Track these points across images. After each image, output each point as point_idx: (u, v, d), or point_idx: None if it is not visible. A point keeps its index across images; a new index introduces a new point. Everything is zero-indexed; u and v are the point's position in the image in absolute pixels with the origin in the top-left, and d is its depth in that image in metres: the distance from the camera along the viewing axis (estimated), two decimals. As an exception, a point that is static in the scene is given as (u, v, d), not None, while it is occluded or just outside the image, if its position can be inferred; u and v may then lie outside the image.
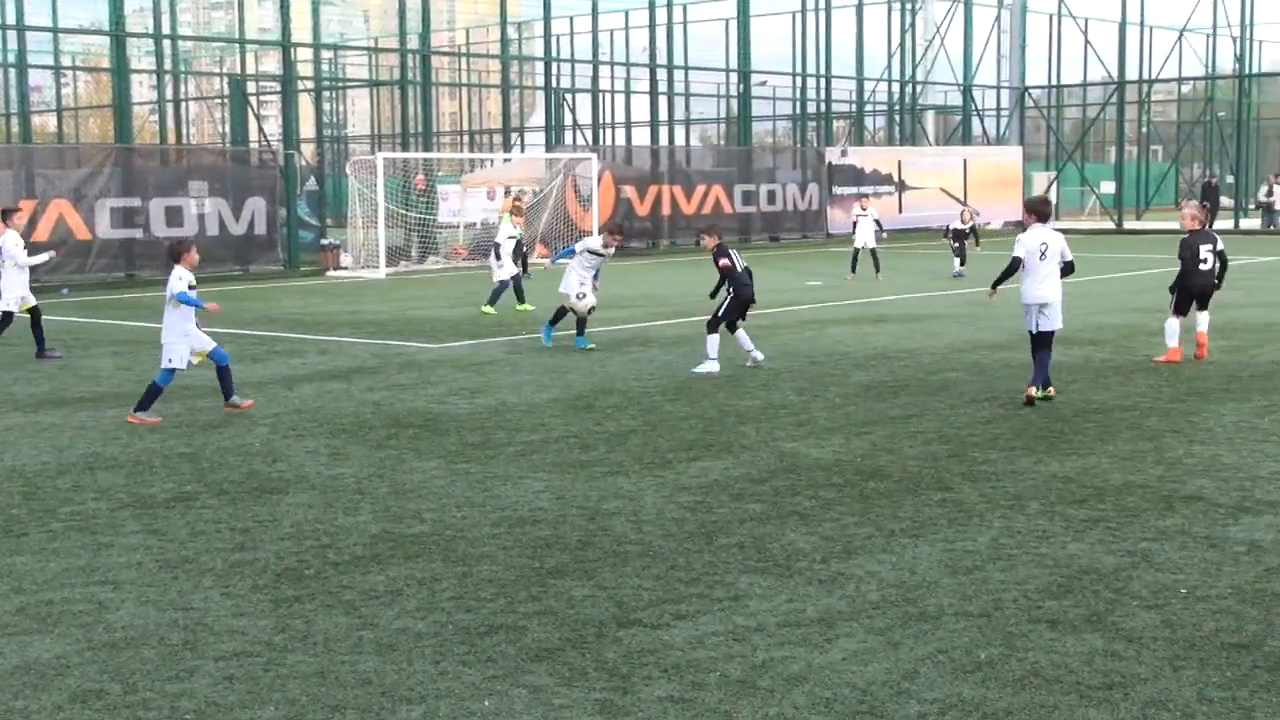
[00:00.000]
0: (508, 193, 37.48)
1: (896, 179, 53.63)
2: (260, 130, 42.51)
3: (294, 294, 30.04)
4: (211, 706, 6.24)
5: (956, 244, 33.54)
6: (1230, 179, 63.90)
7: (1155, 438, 12.26)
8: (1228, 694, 6.20)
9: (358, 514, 9.85)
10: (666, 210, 46.50)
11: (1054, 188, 61.35)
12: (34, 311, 19.36)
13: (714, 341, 16.81)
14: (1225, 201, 59.65)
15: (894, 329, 21.31)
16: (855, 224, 34.57)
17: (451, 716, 6.07)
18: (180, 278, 13.99)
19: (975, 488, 10.41)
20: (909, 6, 59.13)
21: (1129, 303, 25.08)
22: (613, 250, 19.67)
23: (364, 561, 8.60)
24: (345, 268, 36.84)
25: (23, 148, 36.98)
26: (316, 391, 15.63)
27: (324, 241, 39.11)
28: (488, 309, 24.81)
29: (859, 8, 56.75)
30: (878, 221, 34.58)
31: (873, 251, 33.14)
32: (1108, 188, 62.46)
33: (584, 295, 19.17)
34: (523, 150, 55.39)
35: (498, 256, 25.51)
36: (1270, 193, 55.82)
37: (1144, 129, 69.87)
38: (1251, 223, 56.33)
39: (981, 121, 62.98)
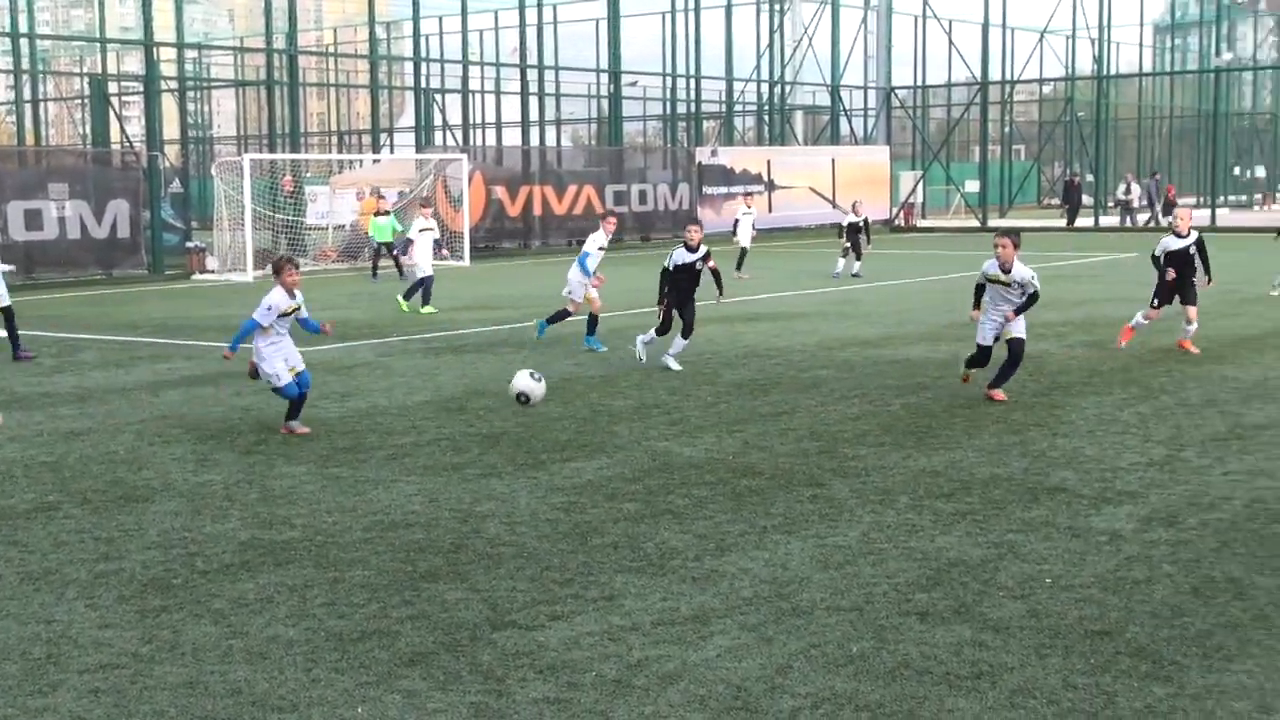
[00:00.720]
0: (376, 194, 37.11)
1: (766, 178, 54.03)
2: (122, 131, 41.62)
3: (159, 298, 29.49)
4: (76, 720, 6.11)
5: (849, 242, 33.00)
6: (1090, 178, 65.38)
7: (1020, 431, 12.50)
8: (1091, 680, 6.33)
9: (226, 521, 9.70)
10: (538, 211, 46.40)
11: (920, 187, 62.32)
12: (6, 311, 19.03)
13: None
14: (1086, 200, 60.96)
15: (765, 327, 21.48)
16: (737, 222, 34.67)
17: (324, 724, 6.00)
18: (267, 305, 13.07)
19: (846, 483, 10.53)
20: (777, 7, 59.67)
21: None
22: (610, 233, 19.53)
23: (233, 569, 8.47)
24: (211, 271, 36.25)
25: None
26: (183, 397, 15.36)
27: (189, 244, 38.43)
28: (427, 309, 24.57)
29: (728, 9, 57.18)
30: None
31: (744, 250, 33.47)
32: (972, 186, 63.58)
33: (571, 292, 19.07)
34: (392, 151, 54.92)
35: (404, 252, 25.50)
36: (1128, 191, 57.20)
37: (1007, 129, 71.19)
38: (1111, 220, 57.70)
39: (849, 121, 63.73)
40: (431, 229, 25.97)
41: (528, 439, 12.50)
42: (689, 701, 6.18)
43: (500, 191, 44.87)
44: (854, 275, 31.89)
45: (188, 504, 10.24)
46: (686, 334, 16.97)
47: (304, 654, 6.90)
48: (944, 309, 23.93)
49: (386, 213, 35.18)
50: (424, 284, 25.01)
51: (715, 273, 17.16)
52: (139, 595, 7.97)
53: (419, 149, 46.40)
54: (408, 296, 25.24)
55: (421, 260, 25.22)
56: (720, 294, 17.70)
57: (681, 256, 17.00)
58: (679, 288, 16.97)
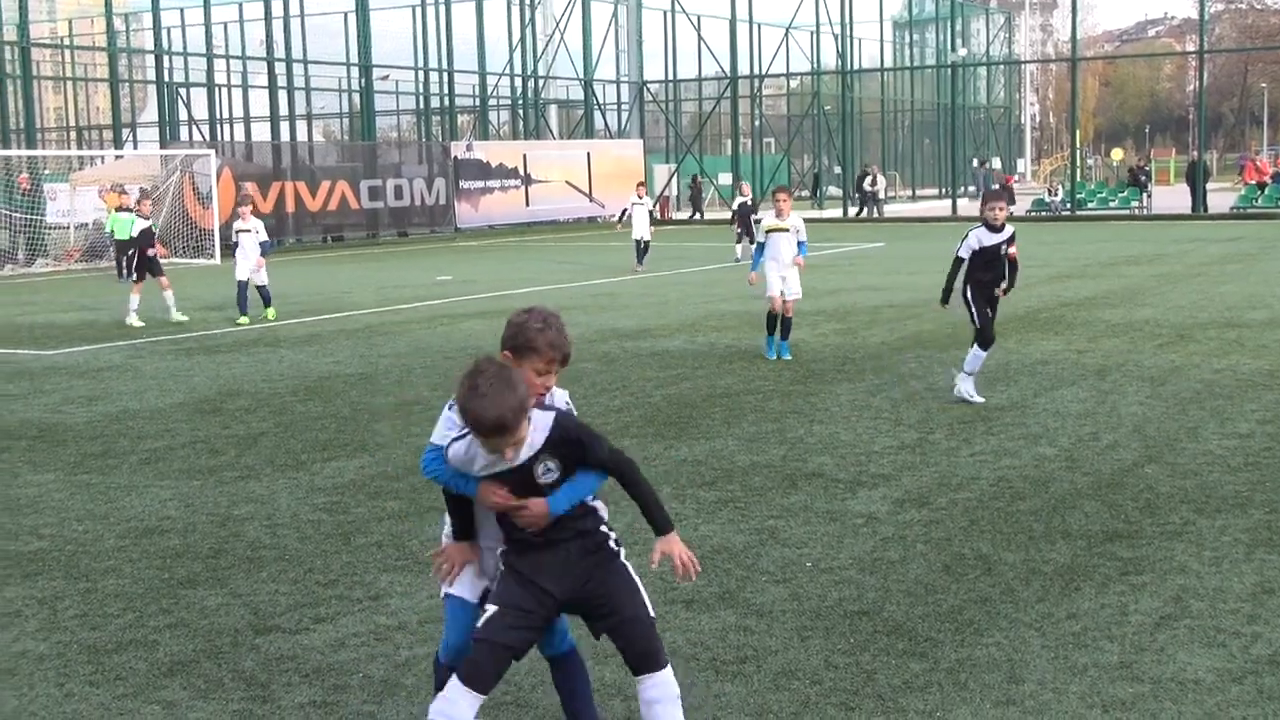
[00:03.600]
0: (119, 190, 35.91)
1: (522, 173, 54.08)
2: None
3: (-113, 302, 28.05)
4: None
5: (740, 228, 32.80)
6: (838, 169, 67.18)
7: (778, 419, 12.76)
8: (851, 659, 6.51)
9: (-32, 534, 9.28)
10: (291, 207, 45.59)
11: (674, 180, 63.13)
12: None
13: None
14: (834, 191, 62.63)
15: (525, 321, 21.44)
16: (629, 213, 33.34)
17: (80, 740, 5.79)
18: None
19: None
20: (528, 2, 59.72)
21: (750, 290, 26.01)
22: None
23: (-23, 583, 8.10)
24: (-56, 273, 34.65)
25: None
26: (-84, 405, 14.65)
27: (-81, 245, 36.68)
28: (269, 311, 22.73)
29: (478, 3, 56.98)
30: (651, 213, 33.33)
31: (646, 243, 32.26)
32: (725, 179, 64.69)
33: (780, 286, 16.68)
34: (135, 147, 53.25)
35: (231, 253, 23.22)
36: (874, 182, 58.94)
37: (757, 122, 72.66)
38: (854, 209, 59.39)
39: (603, 115, 64.26)
40: (250, 231, 23.27)
41: (287, 439, 12.27)
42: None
43: (250, 188, 43.91)
44: (738, 261, 31.92)
45: (-75, 517, 9.77)
46: (987, 343, 13.59)
47: (56, 668, 6.65)
48: (701, 300, 24.30)
49: (128, 209, 34.07)
50: (258, 291, 22.83)
51: (1013, 262, 13.45)
52: (-126, 615, 7.56)
53: (164, 145, 45.11)
54: (243, 311, 22.62)
55: (244, 265, 22.93)
56: (1010, 286, 13.67)
57: (984, 238, 13.26)
58: (979, 280, 13.45)
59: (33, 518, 9.67)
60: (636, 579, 5.38)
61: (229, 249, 23.49)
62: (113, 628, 7.24)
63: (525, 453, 4.98)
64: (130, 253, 31.92)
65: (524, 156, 54.43)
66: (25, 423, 13.44)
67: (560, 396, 5.44)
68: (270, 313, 22.79)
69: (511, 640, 5.00)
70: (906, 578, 7.78)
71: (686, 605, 7.38)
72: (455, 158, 51.70)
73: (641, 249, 32.24)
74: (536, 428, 5.01)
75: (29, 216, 37.15)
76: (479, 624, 5.05)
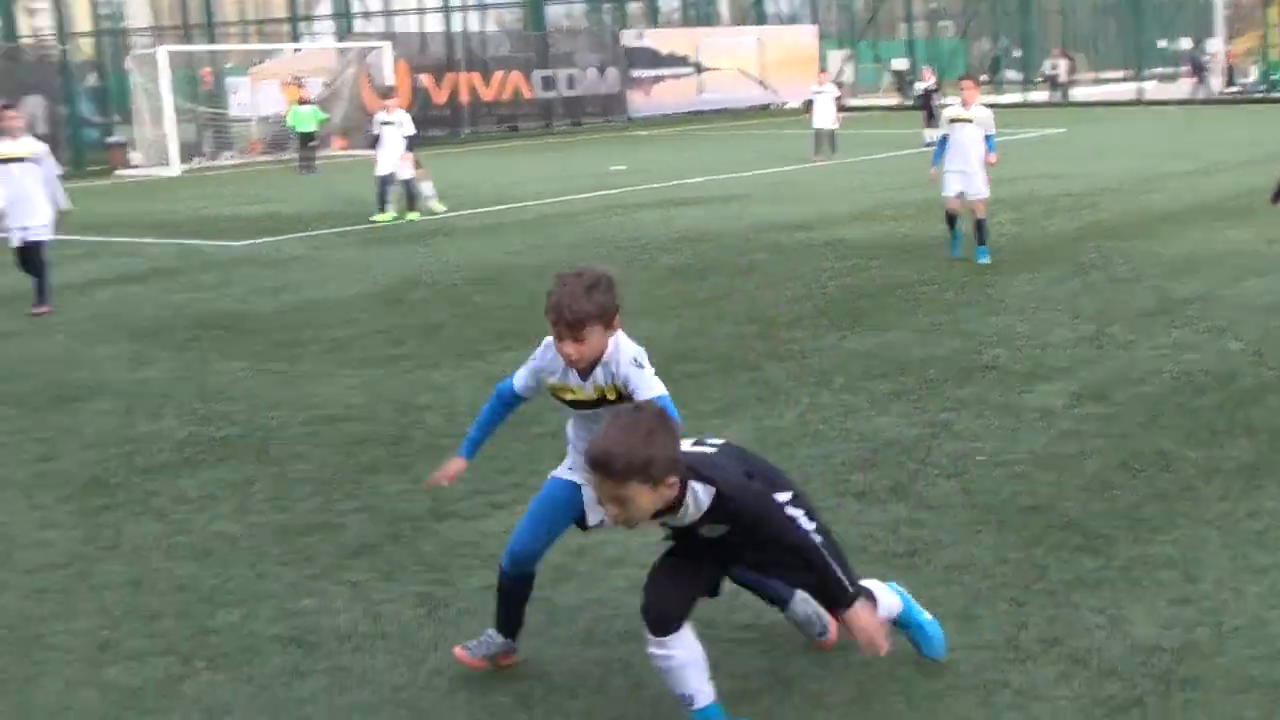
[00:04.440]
0: (298, 83, 36.54)
1: (694, 60, 53.68)
2: (31, 25, 40.70)
3: (83, 195, 28.93)
4: (23, 620, 6.14)
5: (925, 109, 32.21)
6: (1018, 53, 65.41)
7: (953, 310, 12.63)
8: (1023, 554, 6.49)
9: (163, 419, 9.68)
10: (465, 99, 45.95)
11: (849, 66, 62.11)
12: None
13: None
14: (1012, 75, 61.07)
15: (698, 212, 21.48)
16: (811, 102, 32.22)
17: (272, 618, 6.06)
18: None
19: (782, 366, 10.63)
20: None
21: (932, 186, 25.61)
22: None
23: (173, 467, 8.47)
24: (136, 166, 35.72)
25: None
26: (114, 295, 15.24)
27: (110, 140, 37.80)
28: (412, 214, 21.81)
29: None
30: (838, 99, 32.06)
31: (831, 133, 31.29)
32: (900, 64, 63.41)
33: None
34: (313, 40, 54.05)
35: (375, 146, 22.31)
36: (1055, 66, 57.29)
37: (933, 5, 70.93)
38: (1040, 95, 57.82)
39: (775, 0, 63.28)
40: (394, 124, 21.99)
41: (465, 329, 12.51)
42: (632, 585, 6.25)
43: (425, 80, 44.33)
44: (928, 144, 31.26)
45: (124, 403, 10.21)
46: None
47: (249, 549, 6.94)
48: (879, 188, 24.02)
49: (308, 102, 34.71)
50: (405, 187, 21.87)
51: None
52: (79, 495, 7.97)
53: (340, 38, 45.70)
54: (381, 208, 21.77)
55: (386, 159, 21.81)
56: None
57: None
58: None
59: (225, 404, 10.04)
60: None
61: (373, 142, 22.48)
62: (301, 510, 7.52)
63: (690, 515, 4.62)
64: (311, 145, 32.56)
65: (696, 44, 54.00)
66: (215, 313, 13.90)
67: (625, 354, 5.11)
68: (414, 215, 21.80)
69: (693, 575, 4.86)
70: (1082, 473, 7.70)
71: (858, 498, 7.41)
72: (627, 46, 51.51)
73: (824, 139, 31.50)
74: (696, 500, 4.60)
75: (212, 110, 38.06)
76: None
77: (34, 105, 34.56)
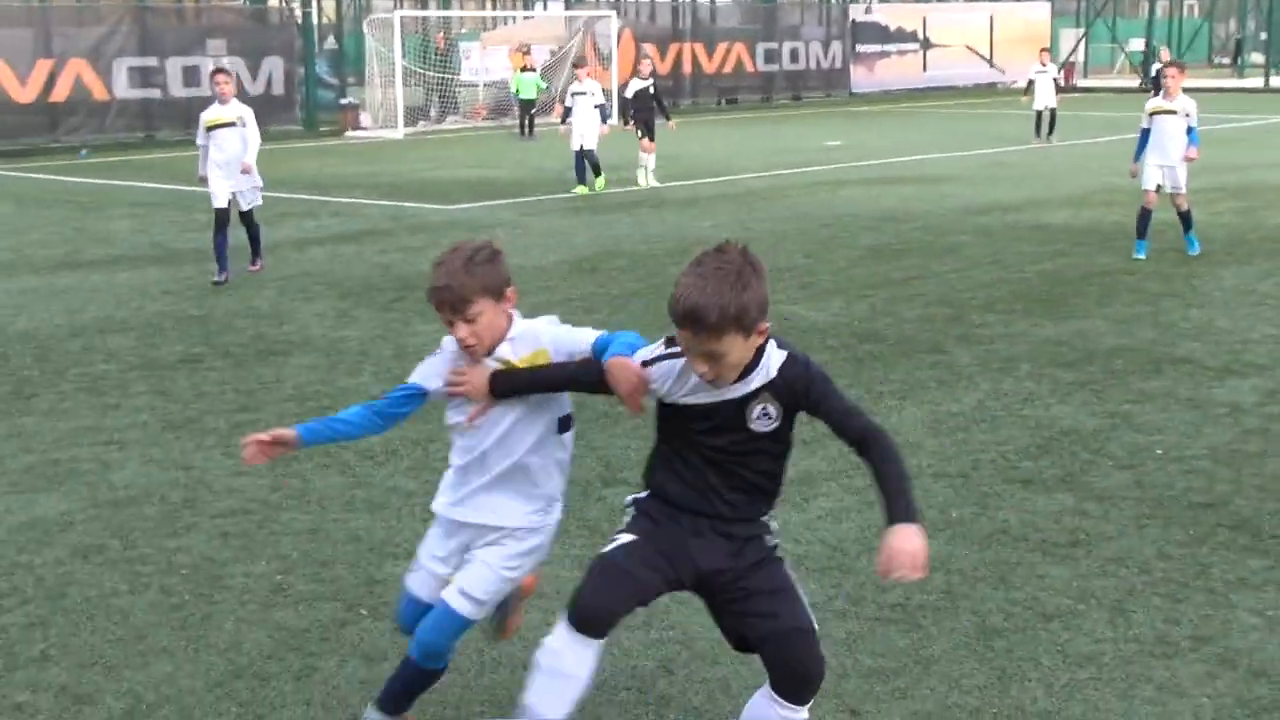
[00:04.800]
0: (526, 51, 37.15)
1: (921, 36, 52.98)
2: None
3: (311, 155, 30.08)
4: (206, 561, 6.50)
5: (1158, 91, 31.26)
6: (1264, 35, 62.91)
7: (1153, 301, 12.34)
8: (1187, 550, 6.38)
9: (359, 376, 10.06)
10: (688, 69, 46.14)
11: (1082, 45, 60.55)
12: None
13: None
14: (1257, 58, 58.79)
15: (907, 190, 21.29)
16: (1032, 82, 31.34)
17: (435, 571, 6.29)
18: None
19: (969, 350, 10.54)
20: None
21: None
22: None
23: (362, 422, 8.79)
24: (364, 128, 36.80)
25: (41, 6, 36.75)
26: (327, 254, 15.80)
27: (343, 101, 38.99)
28: (599, 181, 21.68)
29: None
30: (1056, 80, 31.27)
31: (1052, 112, 30.53)
32: (1136, 45, 61.57)
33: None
34: (545, 8, 54.83)
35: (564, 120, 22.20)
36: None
37: (1177, -16, 68.64)
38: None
39: (1010, -24, 61.92)
40: (587, 93, 21.87)
41: (657, 301, 12.66)
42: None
43: (650, 49, 44.63)
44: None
45: (324, 359, 10.64)
46: None
47: (422, 504, 7.19)
48: (1094, 173, 23.47)
49: (531, 69, 35.27)
50: (585, 159, 21.62)
51: None
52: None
53: (568, 6, 46.29)
54: (581, 179, 21.69)
55: (580, 129, 21.60)
56: None
57: None
58: None
59: (416, 364, 10.34)
60: (799, 588, 4.30)
61: (566, 113, 22.31)
62: (476, 471, 7.76)
63: (739, 388, 4.07)
64: (532, 112, 32.96)
65: (924, 19, 53.28)
66: (420, 274, 14.29)
67: (539, 323, 4.53)
68: (599, 182, 21.58)
69: (645, 577, 4.19)
70: (1263, 472, 7.52)
71: (1024, 485, 7.36)
72: (854, 20, 51.08)
73: (1045, 120, 30.77)
74: (768, 363, 4.07)
75: (441, 75, 38.95)
76: (605, 549, 4.29)
77: (272, 66, 35.81)
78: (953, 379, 9.69)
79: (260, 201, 14.77)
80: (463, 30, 46.55)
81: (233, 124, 14.24)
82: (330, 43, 45.90)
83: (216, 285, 13.82)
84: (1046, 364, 10.06)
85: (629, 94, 23.02)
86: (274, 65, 36.02)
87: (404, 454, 8.11)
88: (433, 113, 39.03)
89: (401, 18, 37.08)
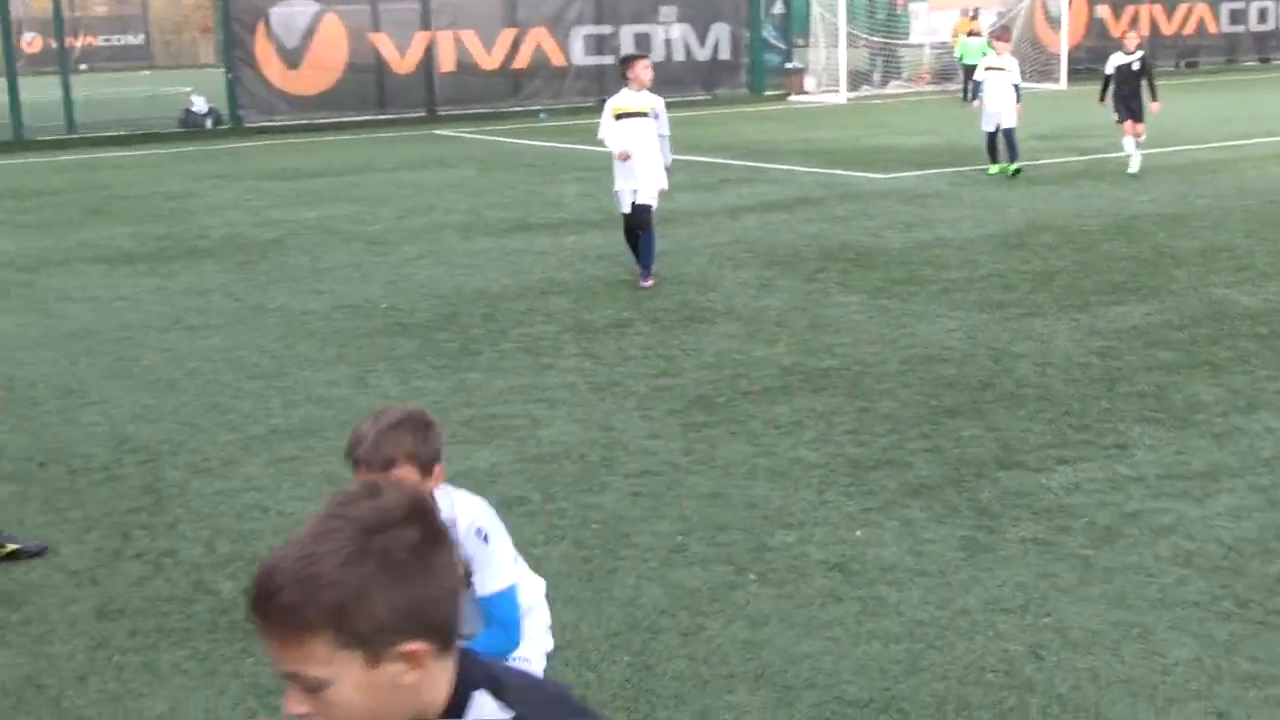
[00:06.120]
0: (971, 15, 36.59)
1: None
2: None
3: (754, 120, 30.68)
4: (616, 518, 7.02)
5: None
6: None
7: None
8: None
9: (775, 346, 10.44)
10: (1145, 31, 44.26)
11: None
12: None
13: None
14: None
15: (1373, 164, 19.96)
16: None
17: (823, 543, 6.60)
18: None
19: None
20: None
21: None
22: None
23: (772, 392, 9.19)
24: (808, 92, 37.19)
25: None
26: (759, 222, 16.26)
27: (789, 65, 39.48)
28: (1013, 166, 19.58)
29: None
30: None
31: None
32: None
33: None
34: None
35: (974, 96, 20.39)
36: None
37: None
38: None
39: None
40: (1002, 69, 19.85)
41: (1080, 279, 12.50)
42: (1175, 556, 6.33)
43: (1104, 11, 43.13)
44: None
45: (744, 327, 11.07)
46: None
47: (820, 476, 7.52)
48: None
49: (977, 34, 34.76)
50: (1002, 137, 19.56)
51: None
52: (686, 410, 8.84)
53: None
54: (993, 159, 19.88)
55: (995, 108, 19.65)
56: None
57: None
58: None
59: (831, 336, 10.67)
60: None
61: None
62: (876, 446, 8.02)
63: None
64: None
65: None
66: (845, 245, 14.58)
67: (464, 519, 4.05)
68: (1012, 167, 19.58)
69: None
70: None
71: None
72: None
73: None
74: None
75: (886, 40, 38.90)
76: None
77: (719, 31, 36.66)
78: (1388, 375, 9.22)
79: (655, 202, 12.94)
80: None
81: (644, 114, 12.73)
82: (778, 6, 46.49)
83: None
84: None
85: (1109, 69, 20.74)
86: (720, 30, 36.87)
87: (808, 426, 8.42)
88: (875, 77, 39.03)
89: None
